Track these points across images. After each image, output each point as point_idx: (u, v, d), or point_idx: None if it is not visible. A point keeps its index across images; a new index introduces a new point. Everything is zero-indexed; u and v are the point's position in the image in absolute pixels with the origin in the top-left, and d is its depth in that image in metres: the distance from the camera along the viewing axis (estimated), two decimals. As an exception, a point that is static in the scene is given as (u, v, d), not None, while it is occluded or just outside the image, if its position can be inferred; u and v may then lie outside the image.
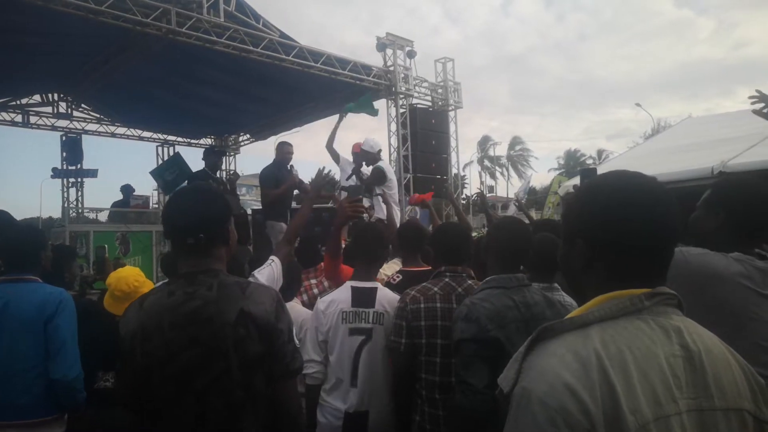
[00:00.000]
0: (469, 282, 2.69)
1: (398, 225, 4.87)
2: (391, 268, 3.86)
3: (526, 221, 5.08)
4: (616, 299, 1.02)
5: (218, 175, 8.16)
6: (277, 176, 7.03)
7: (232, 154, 14.03)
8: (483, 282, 2.31)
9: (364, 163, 7.16)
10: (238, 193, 14.58)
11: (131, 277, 3.09)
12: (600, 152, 51.59)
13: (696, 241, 1.98)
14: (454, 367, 2.21)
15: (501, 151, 55.99)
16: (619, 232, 1.04)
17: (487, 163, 55.51)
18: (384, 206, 6.31)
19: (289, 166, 7.18)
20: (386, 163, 7.33)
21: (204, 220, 1.74)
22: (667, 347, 0.98)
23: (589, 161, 51.85)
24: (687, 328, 1.02)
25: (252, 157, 59.66)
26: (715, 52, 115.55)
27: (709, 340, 1.03)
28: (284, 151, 7.18)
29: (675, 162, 7.37)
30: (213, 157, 8.21)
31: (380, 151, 7.27)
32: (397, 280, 3.51)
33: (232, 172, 13.89)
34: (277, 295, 1.77)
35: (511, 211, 16.02)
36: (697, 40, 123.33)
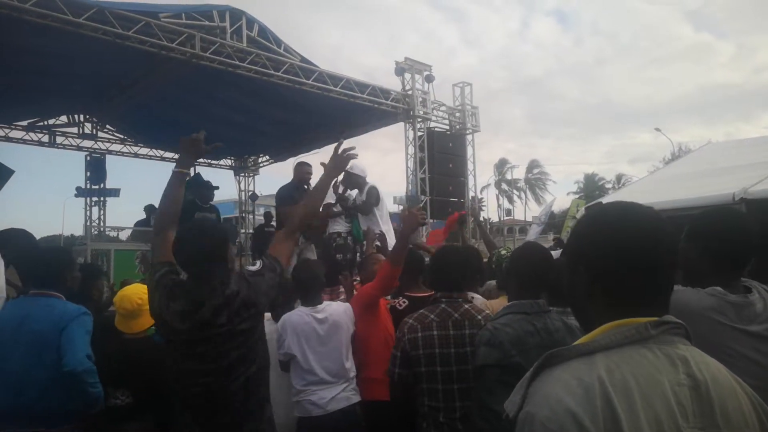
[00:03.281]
0: (466, 306, 2.70)
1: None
2: None
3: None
4: (622, 327, 1.02)
5: (209, 206, 8.21)
6: (294, 196, 6.89)
7: (251, 175, 14.20)
8: (504, 307, 2.31)
9: (347, 187, 7.25)
10: (256, 213, 14.73)
11: (135, 295, 3.11)
12: (619, 176, 51.25)
13: (682, 274, 1.97)
14: (475, 392, 2.21)
15: (518, 174, 55.82)
16: (620, 260, 1.06)
17: (504, 186, 55.36)
18: (382, 225, 6.41)
19: (306, 186, 7.19)
20: (377, 183, 7.42)
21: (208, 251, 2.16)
22: (673, 376, 0.98)
23: (608, 185, 51.50)
24: (693, 358, 1.02)
25: (271, 179, 60.27)
26: (735, 77, 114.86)
27: (716, 370, 1.03)
28: (303, 171, 7.13)
29: (695, 188, 7.29)
30: (205, 190, 8.29)
31: (366, 176, 7.36)
32: (404, 305, 3.51)
33: (250, 193, 14.06)
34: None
35: (532, 235, 15.97)
36: (717, 65, 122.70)
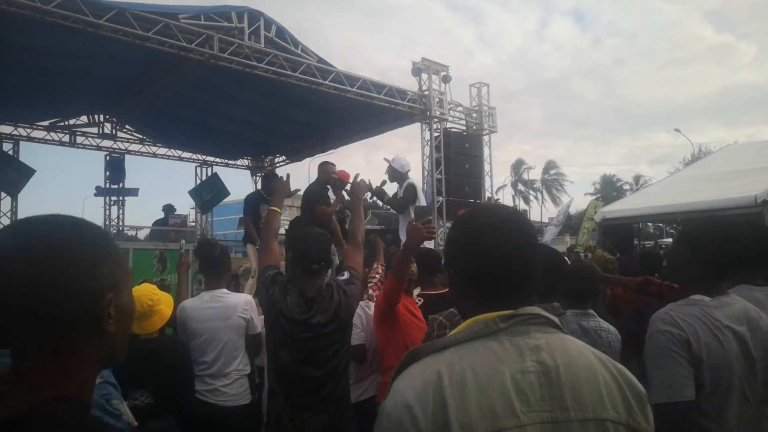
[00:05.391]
0: None
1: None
2: None
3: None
4: (475, 323, 1.11)
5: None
6: (325, 196, 6.82)
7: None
8: None
9: (387, 180, 7.16)
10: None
11: (145, 297, 3.11)
12: (637, 178, 50.71)
13: (670, 276, 2.18)
14: None
15: (535, 175, 55.42)
16: (474, 261, 1.16)
17: (520, 187, 55.02)
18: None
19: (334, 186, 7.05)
20: (417, 181, 7.33)
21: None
22: (516, 365, 1.05)
23: (626, 187, 50.95)
24: (549, 345, 1.08)
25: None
26: (758, 78, 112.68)
27: (576, 355, 1.09)
28: (329, 171, 7.01)
29: (717, 190, 7.20)
30: (269, 183, 8.28)
31: (408, 171, 7.25)
32: (419, 303, 3.55)
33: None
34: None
35: (549, 236, 15.86)
36: (739, 66, 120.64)
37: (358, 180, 3.62)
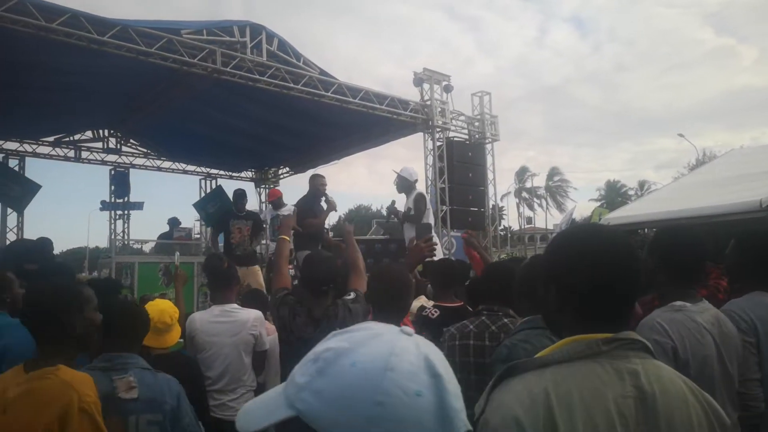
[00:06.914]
0: (505, 320, 2.76)
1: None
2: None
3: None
4: (575, 343, 1.12)
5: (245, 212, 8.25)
6: (313, 208, 7.12)
7: (271, 186, 14.32)
8: (521, 323, 2.29)
9: (397, 190, 7.24)
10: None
11: (171, 309, 3.16)
12: (641, 183, 50.49)
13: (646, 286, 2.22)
14: None
15: (539, 181, 55.30)
16: (579, 280, 1.16)
17: (524, 194, 54.92)
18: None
19: (324, 197, 7.22)
20: (423, 190, 7.40)
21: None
22: (618, 389, 1.06)
23: (631, 192, 50.79)
24: (646, 371, 1.09)
25: (291, 190, 60.70)
26: (760, 80, 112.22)
27: (669, 383, 1.10)
28: (318, 184, 7.28)
29: (721, 195, 7.16)
30: (238, 199, 8.34)
31: (416, 180, 7.32)
32: (435, 315, 3.55)
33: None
34: None
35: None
36: (740, 69, 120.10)
37: (342, 223, 3.69)
